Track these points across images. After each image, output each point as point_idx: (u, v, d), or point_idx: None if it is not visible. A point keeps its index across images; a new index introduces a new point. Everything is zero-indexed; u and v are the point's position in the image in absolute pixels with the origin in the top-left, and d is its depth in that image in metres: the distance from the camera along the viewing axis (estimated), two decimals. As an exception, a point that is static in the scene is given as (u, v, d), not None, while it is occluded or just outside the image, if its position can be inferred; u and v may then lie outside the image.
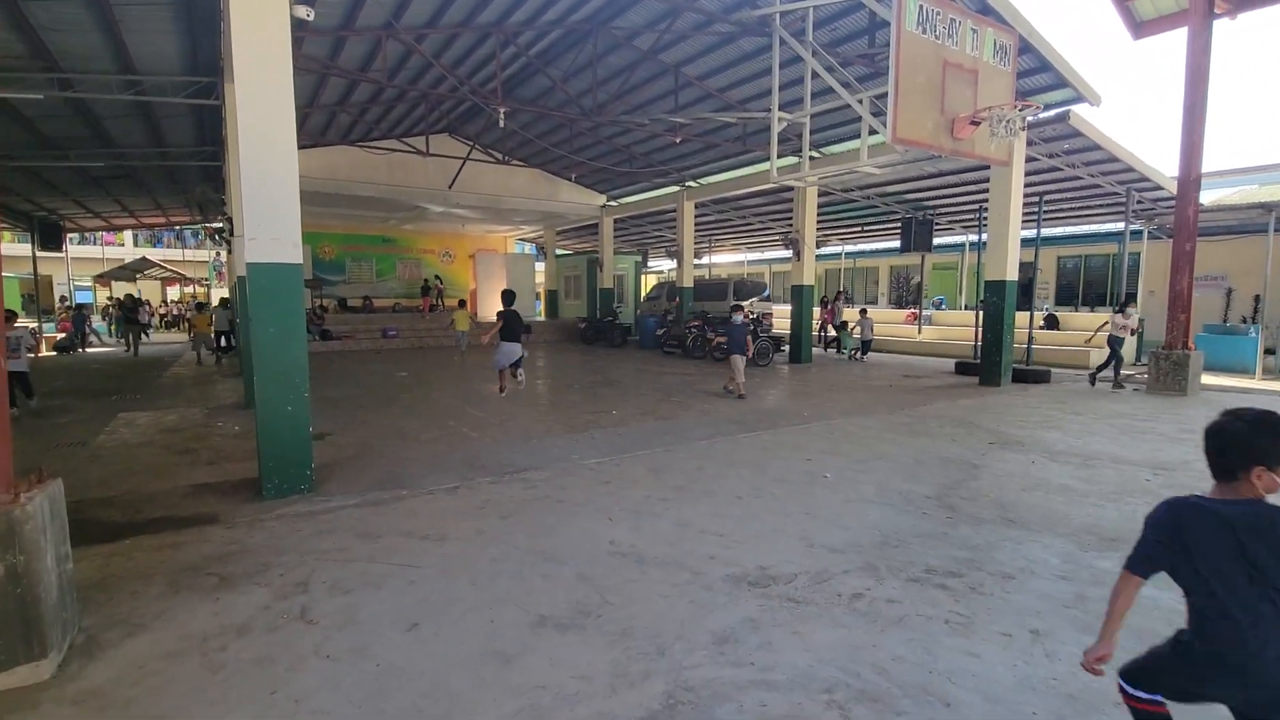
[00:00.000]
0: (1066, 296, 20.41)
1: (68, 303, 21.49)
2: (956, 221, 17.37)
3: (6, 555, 2.35)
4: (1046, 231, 16.55)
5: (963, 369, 11.88)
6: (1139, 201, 12.97)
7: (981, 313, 10.56)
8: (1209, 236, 15.07)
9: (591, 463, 5.61)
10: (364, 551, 3.66)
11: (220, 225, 12.65)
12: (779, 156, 13.64)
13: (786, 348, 14.18)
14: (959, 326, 16.87)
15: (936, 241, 17.18)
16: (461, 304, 17.56)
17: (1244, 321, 14.56)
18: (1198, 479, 5.05)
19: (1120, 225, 16.26)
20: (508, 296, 7.89)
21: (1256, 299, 15.37)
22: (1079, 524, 4.12)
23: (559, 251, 25.14)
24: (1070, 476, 5.18)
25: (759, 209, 18.36)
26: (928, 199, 15.63)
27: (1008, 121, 5.43)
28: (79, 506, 4.45)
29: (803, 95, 8.22)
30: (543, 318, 24.27)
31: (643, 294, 23.12)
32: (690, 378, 11.48)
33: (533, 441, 6.45)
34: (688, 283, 17.24)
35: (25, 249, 18.05)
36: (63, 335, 16.78)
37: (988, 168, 12.62)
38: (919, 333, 17.01)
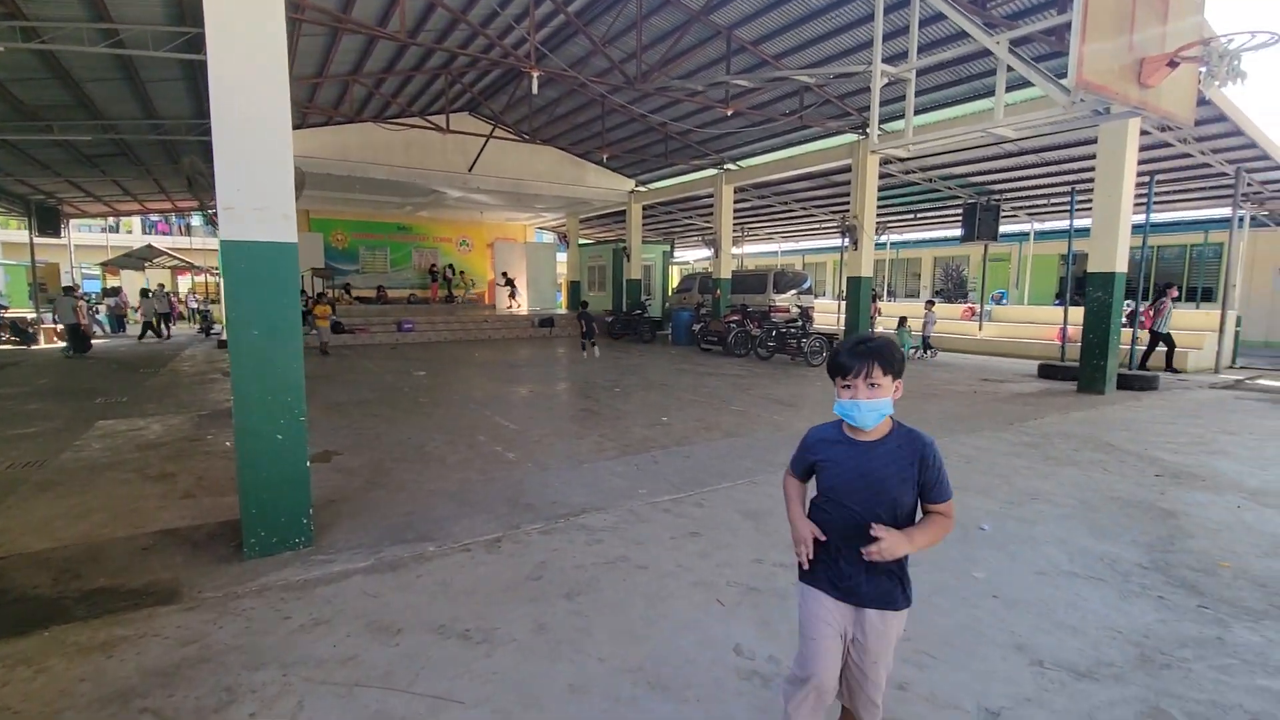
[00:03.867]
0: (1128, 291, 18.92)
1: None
2: (1022, 207, 15.92)
3: None
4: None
5: (1048, 372, 10.54)
6: (1248, 184, 11.50)
7: (1083, 309, 9.17)
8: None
9: (666, 501, 4.41)
10: (378, 664, 2.48)
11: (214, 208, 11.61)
12: (837, 134, 12.36)
13: (840, 346, 12.87)
14: (1024, 323, 15.45)
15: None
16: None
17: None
18: None
19: (1211, 212, 14.80)
20: None
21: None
22: (1400, 621, 2.85)
23: (581, 241, 23.91)
24: (1307, 531, 3.90)
25: (805, 194, 17.01)
26: (995, 181, 14.21)
27: (1230, 59, 4.11)
28: (3, 568, 3.34)
29: (902, 49, 6.89)
30: (564, 310, 23.09)
31: (670, 286, 21.86)
32: (741, 379, 10.24)
33: (584, 466, 5.26)
34: (726, 274, 15.94)
35: (25, 236, 17.12)
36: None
37: (1075, 144, 11.25)
38: (979, 330, 15.62)
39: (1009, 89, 5.73)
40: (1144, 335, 11.00)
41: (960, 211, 14.95)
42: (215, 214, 15.87)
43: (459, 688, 2.34)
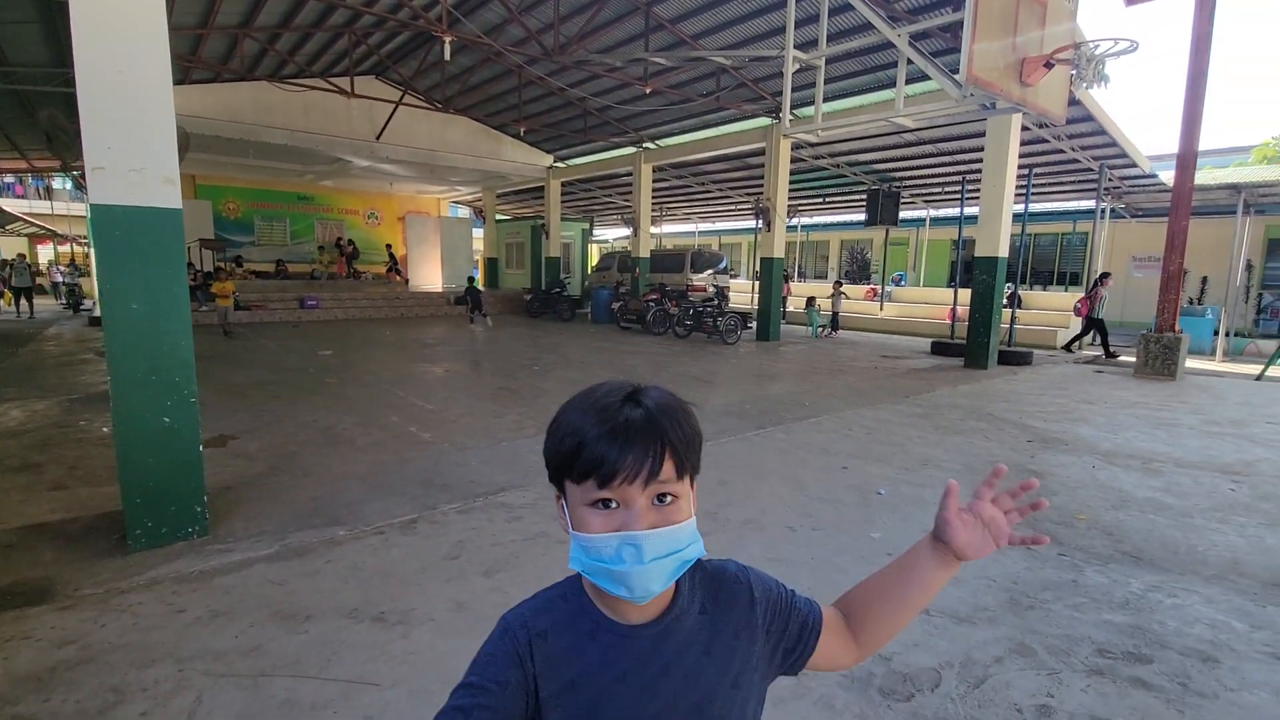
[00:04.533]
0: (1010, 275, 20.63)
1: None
2: (919, 195, 16.92)
3: None
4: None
5: (940, 349, 11.35)
6: (1109, 179, 12.75)
7: (970, 291, 9.92)
8: (1154, 218, 15.25)
9: (585, 477, 4.44)
10: (285, 652, 2.39)
11: (80, 168, 10.40)
12: (752, 117, 12.62)
13: (754, 324, 13.31)
14: (920, 304, 16.53)
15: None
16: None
17: (1190, 303, 14.85)
18: (1277, 483, 4.47)
19: (1079, 204, 16.30)
20: None
21: (1204, 280, 15.77)
22: (1215, 559, 3.34)
23: (499, 217, 23.28)
24: (1147, 487, 4.46)
25: (721, 175, 17.30)
26: (896, 170, 15.02)
27: (1096, 63, 4.56)
28: None
29: (813, 37, 7.11)
30: (482, 288, 22.50)
31: (590, 264, 21.75)
32: (659, 358, 10.40)
33: (502, 444, 5.21)
34: (644, 253, 16.03)
35: None
36: None
37: (966, 136, 12.06)
38: (880, 310, 16.57)
39: (909, 81, 6.06)
40: (1020, 315, 12.00)
41: (865, 197, 15.70)
42: (82, 175, 14.23)
43: (375, 670, 2.29)
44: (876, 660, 2.40)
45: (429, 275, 21.97)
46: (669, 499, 0.68)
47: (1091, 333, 11.54)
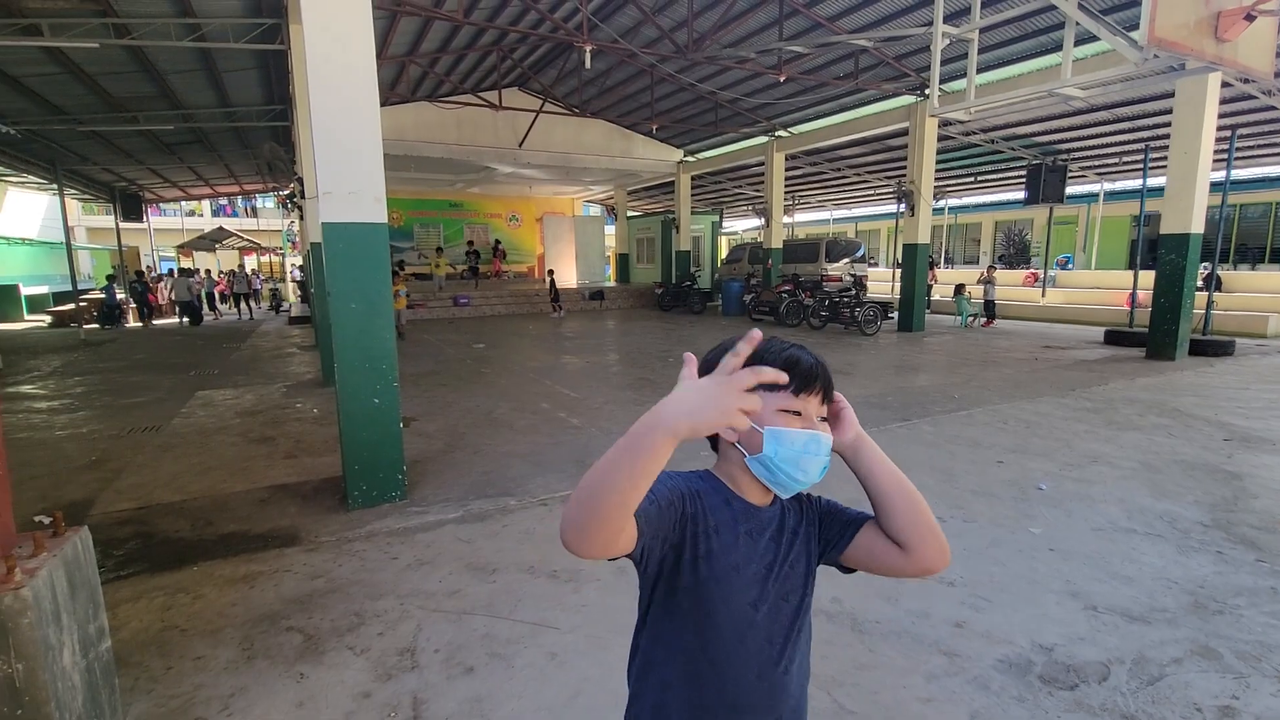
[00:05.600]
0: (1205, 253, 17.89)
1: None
2: (1091, 167, 15.19)
3: (-6, 666, 1.56)
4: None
5: (1115, 339, 10.21)
6: (1343, 135, 10.72)
7: (1155, 273, 8.84)
8: None
9: (726, 462, 4.62)
10: (480, 596, 2.81)
11: (290, 190, 12.17)
12: (893, 96, 12.05)
13: (895, 314, 12.73)
14: (1091, 289, 14.88)
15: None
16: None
17: None
18: None
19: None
20: None
21: None
22: None
23: (630, 213, 23.98)
24: (1384, 494, 3.84)
25: (858, 160, 16.62)
26: (1062, 141, 13.60)
27: (1317, 7, 3.94)
28: (147, 515, 3.83)
29: (964, 5, 6.71)
30: (613, 283, 23.36)
31: (719, 256, 21.79)
32: (793, 349, 10.30)
33: (645, 431, 5.51)
34: (777, 243, 15.84)
35: (110, 220, 18.36)
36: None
37: (1150, 99, 10.69)
38: (1042, 296, 15.12)
39: (1077, 44, 5.55)
40: (1220, 298, 10.50)
41: (1024, 173, 14.38)
42: (286, 196, 16.66)
43: (554, 617, 2.64)
44: (1036, 650, 2.37)
45: (564, 273, 23.15)
46: (824, 422, 0.92)
47: None
